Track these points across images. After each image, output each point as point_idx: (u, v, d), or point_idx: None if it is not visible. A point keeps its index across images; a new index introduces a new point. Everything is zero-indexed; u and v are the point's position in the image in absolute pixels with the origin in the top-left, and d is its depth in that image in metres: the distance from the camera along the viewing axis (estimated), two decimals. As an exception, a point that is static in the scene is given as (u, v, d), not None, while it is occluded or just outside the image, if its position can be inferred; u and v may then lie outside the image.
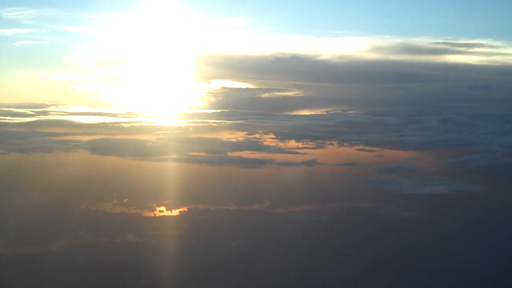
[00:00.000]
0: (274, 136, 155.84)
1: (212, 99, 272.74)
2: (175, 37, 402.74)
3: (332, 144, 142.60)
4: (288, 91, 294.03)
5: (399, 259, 53.73)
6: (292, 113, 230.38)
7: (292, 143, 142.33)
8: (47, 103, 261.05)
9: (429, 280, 49.40)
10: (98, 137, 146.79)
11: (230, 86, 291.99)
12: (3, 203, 71.40)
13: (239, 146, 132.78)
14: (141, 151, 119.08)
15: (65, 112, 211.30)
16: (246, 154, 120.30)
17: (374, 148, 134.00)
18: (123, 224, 64.25)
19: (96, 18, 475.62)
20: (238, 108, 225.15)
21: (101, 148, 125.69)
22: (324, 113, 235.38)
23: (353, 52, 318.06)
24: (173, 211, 71.25)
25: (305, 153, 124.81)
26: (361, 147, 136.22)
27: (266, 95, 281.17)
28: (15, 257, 52.23)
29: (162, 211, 71.17)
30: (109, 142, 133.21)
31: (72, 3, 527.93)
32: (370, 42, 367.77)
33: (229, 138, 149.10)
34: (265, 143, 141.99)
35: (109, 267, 50.18)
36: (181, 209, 71.95)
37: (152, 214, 69.88)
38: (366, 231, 62.27)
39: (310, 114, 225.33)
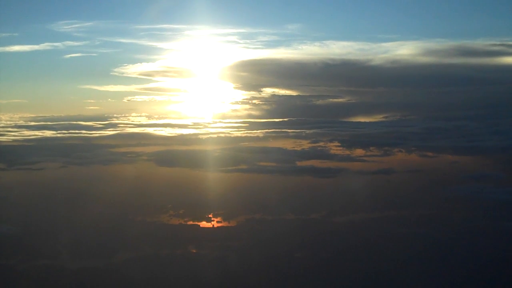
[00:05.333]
0: (339, 144, 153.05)
1: (267, 107, 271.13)
2: (223, 45, 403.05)
3: (401, 151, 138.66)
4: (341, 97, 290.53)
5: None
6: (349, 120, 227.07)
7: (359, 151, 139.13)
8: (114, 115, 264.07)
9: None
10: (165, 148, 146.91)
11: (281, 94, 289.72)
12: (65, 216, 71.64)
13: (306, 155, 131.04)
14: (207, 162, 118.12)
15: (133, 124, 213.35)
16: (315, 163, 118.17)
17: (445, 155, 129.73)
18: (182, 236, 63.64)
19: (145, 29, 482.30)
20: (293, 116, 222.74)
21: (167, 159, 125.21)
22: (384, 119, 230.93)
23: (405, 57, 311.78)
24: (231, 221, 70.56)
25: (374, 161, 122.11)
26: (431, 153, 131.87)
27: (319, 102, 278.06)
28: (80, 271, 52.03)
29: (220, 221, 70.61)
30: (175, 154, 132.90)
31: (123, 14, 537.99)
32: (422, 46, 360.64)
33: (294, 147, 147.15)
34: (332, 152, 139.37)
35: (174, 279, 49.87)
36: (238, 219, 71.16)
37: (210, 225, 69.43)
38: (464, 243, 58.97)
39: (370, 121, 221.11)
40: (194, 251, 59.25)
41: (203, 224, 69.77)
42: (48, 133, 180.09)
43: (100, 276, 50.77)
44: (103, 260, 55.02)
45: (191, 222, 70.22)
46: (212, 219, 71.56)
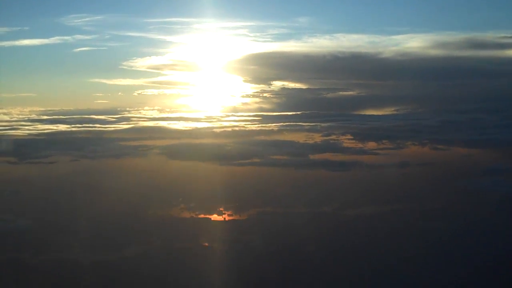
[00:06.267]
0: (351, 137, 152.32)
1: (277, 100, 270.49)
2: (232, 39, 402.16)
3: (414, 144, 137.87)
4: (351, 90, 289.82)
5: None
6: (359, 113, 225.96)
7: (371, 144, 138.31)
8: (126, 108, 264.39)
9: None
10: (177, 141, 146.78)
11: (291, 87, 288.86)
12: (77, 210, 71.62)
13: (318, 148, 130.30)
14: (219, 155, 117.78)
15: (147, 118, 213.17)
16: (328, 156, 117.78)
17: (458, 148, 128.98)
18: (193, 229, 63.57)
19: (154, 23, 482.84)
20: (304, 109, 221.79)
21: (179, 153, 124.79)
22: (395, 112, 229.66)
23: (415, 49, 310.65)
24: (242, 214, 70.37)
25: (387, 154, 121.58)
26: (444, 146, 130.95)
27: (329, 95, 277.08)
28: (91, 264, 51.96)
29: (231, 214, 70.45)
30: (187, 147, 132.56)
31: (132, 8, 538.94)
32: (432, 38, 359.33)
33: (306, 140, 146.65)
34: (345, 145, 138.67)
35: (186, 273, 49.76)
36: (250, 213, 70.93)
37: (221, 218, 69.17)
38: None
39: (382, 114, 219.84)
40: (206, 244, 59.26)
41: (214, 217, 69.53)
42: (62, 127, 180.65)
43: (112, 269, 50.77)
44: (114, 253, 54.90)
45: (202, 215, 70.06)
46: (223, 212, 71.34)
